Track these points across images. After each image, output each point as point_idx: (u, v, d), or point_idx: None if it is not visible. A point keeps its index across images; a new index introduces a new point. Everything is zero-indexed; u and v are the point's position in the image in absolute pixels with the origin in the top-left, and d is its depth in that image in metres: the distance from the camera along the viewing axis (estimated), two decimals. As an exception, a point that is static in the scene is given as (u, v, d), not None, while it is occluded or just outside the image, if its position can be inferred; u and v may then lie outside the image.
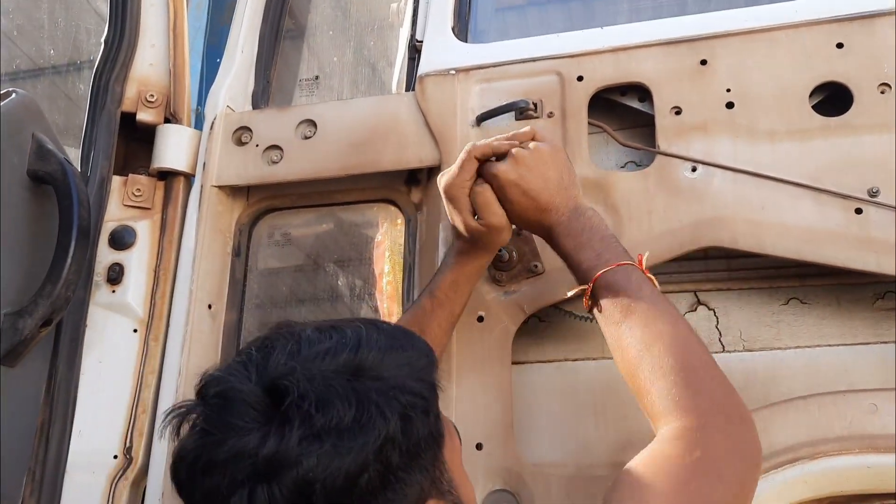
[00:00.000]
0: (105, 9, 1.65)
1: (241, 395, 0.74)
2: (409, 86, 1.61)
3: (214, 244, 1.56)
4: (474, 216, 1.17)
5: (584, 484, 1.23)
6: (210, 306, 1.54)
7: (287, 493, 0.70)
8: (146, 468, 1.45)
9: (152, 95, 1.62)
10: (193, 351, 1.48)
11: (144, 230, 1.57)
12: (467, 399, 1.31)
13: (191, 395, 0.80)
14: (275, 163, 1.54)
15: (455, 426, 0.90)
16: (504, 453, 1.27)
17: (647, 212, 1.32)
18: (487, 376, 1.32)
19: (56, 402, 1.41)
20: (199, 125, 1.65)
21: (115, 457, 1.46)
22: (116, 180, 1.59)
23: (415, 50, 1.62)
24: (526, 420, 1.35)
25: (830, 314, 1.33)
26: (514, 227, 1.22)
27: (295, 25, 1.97)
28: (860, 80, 1.30)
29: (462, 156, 1.16)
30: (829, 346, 1.32)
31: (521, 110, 1.43)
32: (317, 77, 2.01)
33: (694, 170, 1.33)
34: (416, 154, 1.47)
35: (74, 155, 1.51)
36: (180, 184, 1.61)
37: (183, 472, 0.76)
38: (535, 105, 1.43)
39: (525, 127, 1.20)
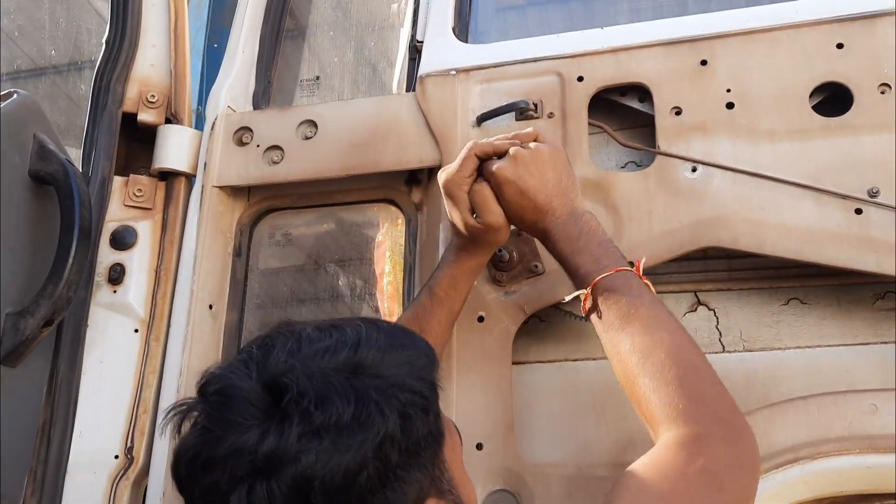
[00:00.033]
0: (106, 9, 1.66)
1: (241, 393, 0.75)
2: (410, 86, 1.61)
3: (215, 244, 1.57)
4: (473, 214, 1.17)
5: (585, 484, 1.23)
6: (211, 306, 1.54)
7: (286, 489, 0.70)
8: (147, 468, 1.45)
9: (153, 96, 1.62)
10: (194, 351, 1.48)
11: (145, 230, 1.57)
12: (467, 399, 1.31)
13: (192, 394, 0.81)
14: (275, 163, 1.54)
15: (456, 426, 0.90)
16: (504, 453, 1.27)
17: (647, 212, 1.32)
18: (488, 376, 1.32)
19: (57, 402, 1.42)
20: (199, 125, 1.65)
21: (117, 457, 1.46)
22: (117, 180, 1.59)
23: (415, 50, 1.62)
24: (526, 420, 1.35)
25: (831, 314, 1.33)
26: (513, 227, 1.22)
27: (296, 26, 1.97)
28: (860, 81, 1.30)
29: (463, 153, 1.16)
30: (830, 346, 1.31)
31: (522, 111, 1.43)
32: (317, 77, 2.01)
33: (694, 170, 1.33)
34: (417, 154, 1.47)
35: (75, 155, 1.51)
36: (181, 184, 1.61)
37: (183, 468, 0.76)
38: (535, 105, 1.43)
39: (528, 128, 1.19)
